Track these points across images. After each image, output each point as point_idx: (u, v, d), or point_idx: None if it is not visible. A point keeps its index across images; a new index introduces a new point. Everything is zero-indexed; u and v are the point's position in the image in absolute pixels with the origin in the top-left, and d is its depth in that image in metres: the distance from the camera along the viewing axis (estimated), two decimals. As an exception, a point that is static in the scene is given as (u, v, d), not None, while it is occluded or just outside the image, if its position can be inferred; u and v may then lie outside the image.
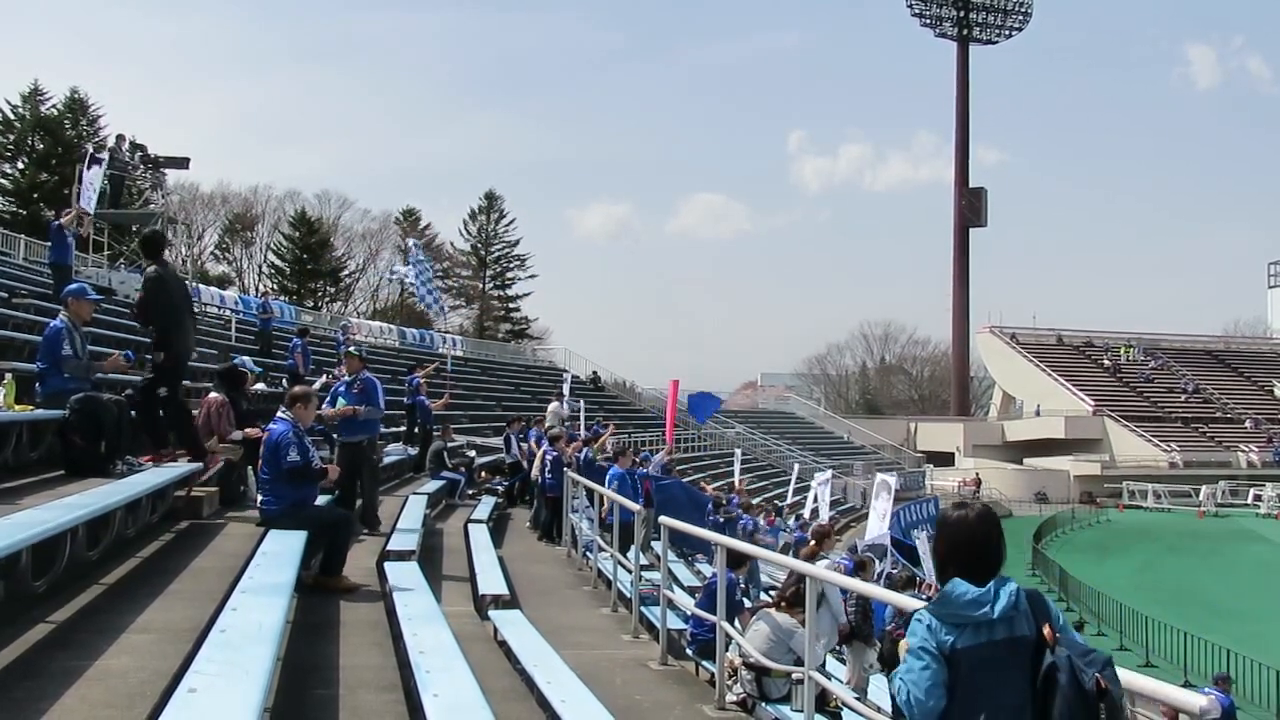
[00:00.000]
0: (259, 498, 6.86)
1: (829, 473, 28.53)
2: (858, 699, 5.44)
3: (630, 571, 7.91)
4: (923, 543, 18.27)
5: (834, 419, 65.86)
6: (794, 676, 5.75)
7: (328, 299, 62.05)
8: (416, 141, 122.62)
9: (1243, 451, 55.14)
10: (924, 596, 8.84)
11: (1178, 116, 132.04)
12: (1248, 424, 58.50)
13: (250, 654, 3.17)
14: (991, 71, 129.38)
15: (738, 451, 31.72)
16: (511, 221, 69.46)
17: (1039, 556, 31.22)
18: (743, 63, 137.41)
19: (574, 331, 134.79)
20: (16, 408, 6.88)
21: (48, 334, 7.38)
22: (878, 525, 18.23)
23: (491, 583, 7.85)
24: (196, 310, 24.53)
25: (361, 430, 9.07)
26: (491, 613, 7.02)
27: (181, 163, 23.33)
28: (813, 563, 7.79)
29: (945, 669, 2.85)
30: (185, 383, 11.80)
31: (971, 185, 72.84)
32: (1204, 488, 47.92)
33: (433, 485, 13.45)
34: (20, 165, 46.17)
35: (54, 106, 47.32)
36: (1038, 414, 59.95)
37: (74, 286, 8.00)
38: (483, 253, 68.72)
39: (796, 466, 35.57)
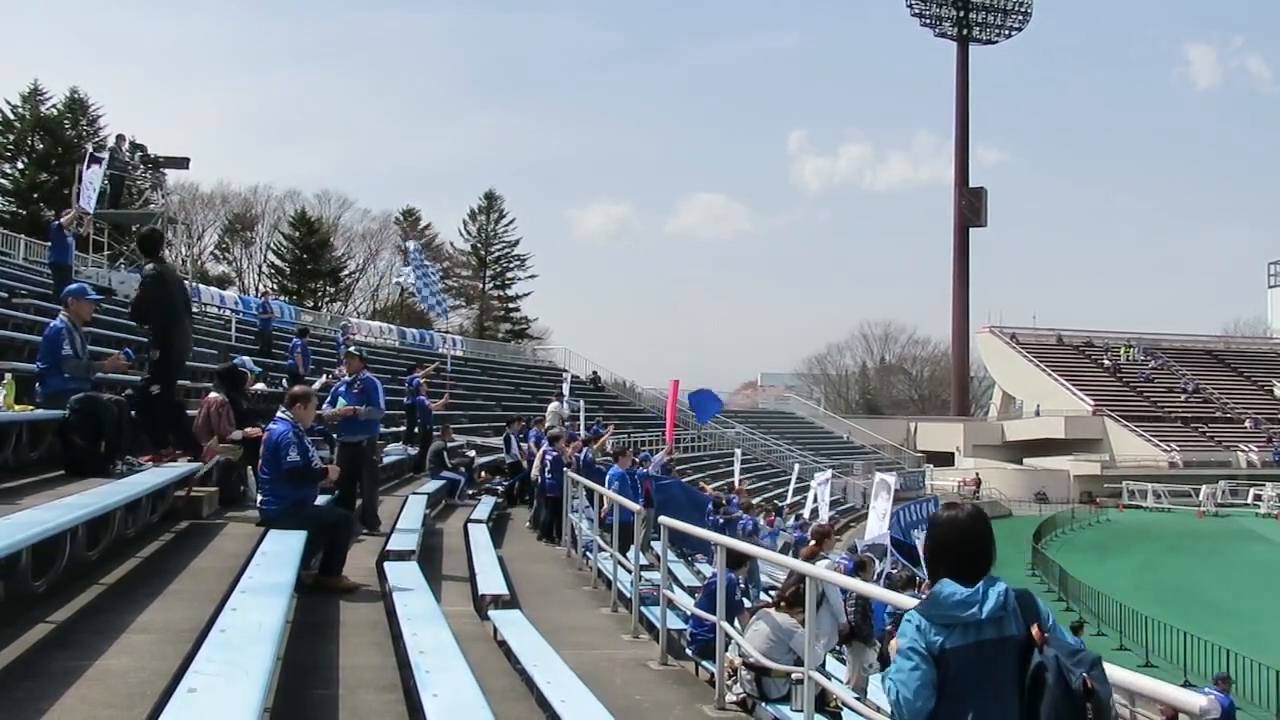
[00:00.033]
0: (259, 498, 6.86)
1: (829, 473, 28.56)
2: (858, 699, 5.44)
3: (630, 571, 7.92)
4: (922, 542, 18.27)
5: (834, 419, 65.86)
6: (794, 676, 5.75)
7: (328, 299, 62.06)
8: (416, 141, 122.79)
9: (1242, 451, 55.16)
10: (923, 596, 8.83)
11: (1178, 116, 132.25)
12: (1248, 424, 58.51)
13: (250, 654, 3.17)
14: (991, 71, 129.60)
15: (738, 451, 31.74)
16: (511, 221, 69.58)
17: (1039, 556, 31.24)
18: (743, 63, 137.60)
19: (574, 331, 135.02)
20: (16, 408, 6.88)
21: (48, 334, 7.38)
22: (877, 525, 18.25)
23: (491, 583, 7.85)
24: (196, 310, 24.63)
25: (361, 430, 9.07)
26: (491, 613, 7.02)
27: (181, 163, 23.32)
28: (813, 563, 7.79)
29: (934, 669, 2.87)
30: (185, 383, 11.85)
31: (971, 185, 72.85)
32: (1204, 488, 47.93)
33: (433, 485, 13.45)
34: (20, 165, 46.17)
35: (54, 106, 47.35)
36: (1038, 414, 59.95)
37: (74, 286, 7.99)
38: (483, 253, 68.72)
39: (797, 467, 35.58)
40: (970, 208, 71.76)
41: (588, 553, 10.87)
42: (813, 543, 10.31)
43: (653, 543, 10.76)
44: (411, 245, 23.34)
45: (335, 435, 9.53)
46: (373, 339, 36.80)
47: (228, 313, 28.44)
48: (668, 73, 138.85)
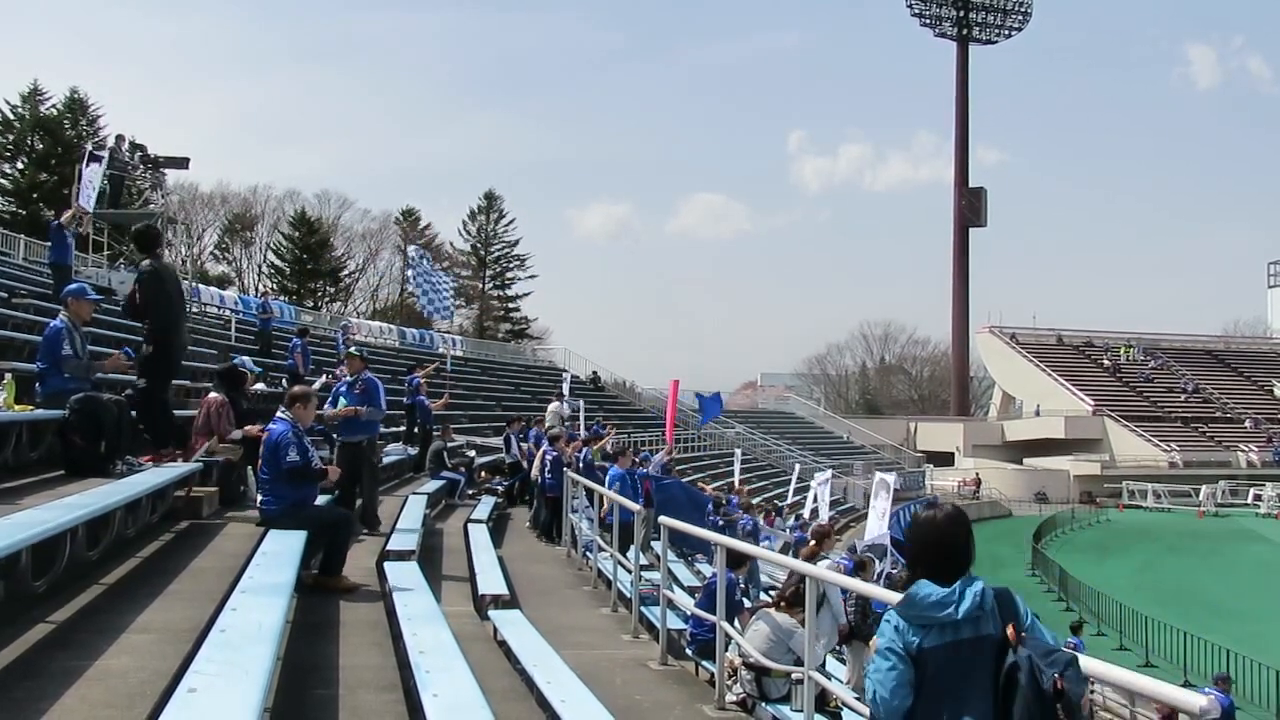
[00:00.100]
0: (259, 498, 6.86)
1: (829, 473, 28.54)
2: (857, 699, 5.43)
3: (630, 571, 7.92)
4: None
5: (834, 419, 65.86)
6: (794, 676, 5.75)
7: (327, 299, 62.07)
8: (416, 141, 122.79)
9: (1242, 451, 55.17)
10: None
11: (1178, 116, 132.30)
12: (1247, 424, 58.53)
13: (250, 654, 3.17)
14: (991, 71, 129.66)
15: (738, 451, 31.75)
16: (511, 221, 69.60)
17: (1039, 556, 31.24)
18: (743, 63, 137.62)
19: (574, 331, 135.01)
20: (16, 408, 6.87)
21: (48, 334, 7.37)
22: (877, 525, 18.23)
23: (491, 583, 7.85)
24: (196, 310, 24.68)
25: (362, 430, 9.07)
26: (491, 613, 7.02)
27: (181, 163, 23.31)
28: (813, 563, 7.79)
29: (911, 669, 2.90)
30: (185, 382, 11.85)
31: (971, 185, 72.89)
32: (1204, 487, 47.95)
33: (433, 485, 13.45)
34: (20, 165, 46.18)
35: (54, 106, 47.35)
36: (1038, 414, 59.96)
37: (74, 286, 7.98)
38: (482, 253, 68.72)
39: (797, 467, 35.58)
40: (970, 208, 71.79)
41: (588, 553, 10.87)
42: (813, 543, 10.31)
43: (653, 543, 10.75)
44: (412, 250, 22.97)
45: (335, 435, 9.53)
46: (373, 339, 36.82)
47: (227, 313, 28.43)
48: (668, 73, 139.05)
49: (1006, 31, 72.38)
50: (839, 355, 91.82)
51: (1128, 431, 56.32)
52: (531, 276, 69.67)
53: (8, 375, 7.07)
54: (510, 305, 68.98)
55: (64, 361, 7.16)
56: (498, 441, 18.52)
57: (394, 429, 16.73)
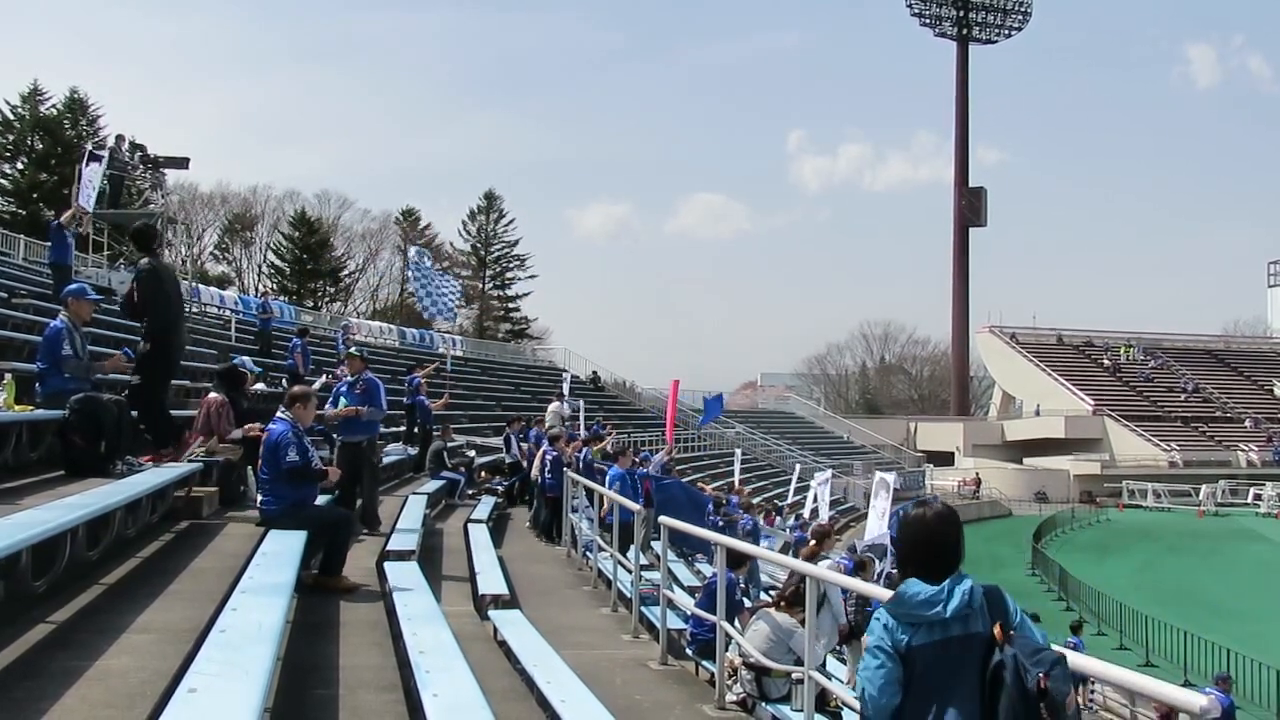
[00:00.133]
0: (259, 498, 6.86)
1: (828, 472, 28.52)
2: (858, 699, 5.43)
3: (630, 571, 7.92)
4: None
5: (834, 419, 65.88)
6: (794, 676, 5.75)
7: (327, 299, 62.09)
8: (416, 141, 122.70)
9: (1242, 451, 55.17)
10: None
11: (1178, 116, 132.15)
12: (1247, 423, 58.52)
13: (250, 654, 3.17)
14: (991, 71, 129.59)
15: (738, 451, 31.74)
16: (511, 221, 69.60)
17: (1039, 556, 31.24)
18: (743, 63, 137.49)
19: (574, 331, 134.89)
20: (16, 408, 6.88)
21: (48, 334, 7.37)
22: (877, 525, 18.20)
23: (491, 583, 7.85)
24: (196, 310, 24.68)
25: (362, 431, 9.08)
26: (491, 613, 7.02)
27: (181, 163, 23.33)
28: (813, 562, 7.79)
29: (900, 667, 2.92)
30: (185, 382, 11.85)
31: (971, 185, 72.86)
32: (1204, 487, 47.93)
33: (433, 485, 13.45)
34: (20, 165, 46.19)
35: (54, 106, 47.36)
36: (1038, 414, 59.95)
37: (74, 286, 7.98)
38: (482, 253, 68.73)
39: (798, 467, 35.57)
40: (970, 207, 71.78)
41: (588, 553, 10.87)
42: (813, 543, 10.31)
43: (653, 543, 10.76)
44: (413, 251, 22.73)
45: (335, 435, 9.54)
46: (373, 339, 36.83)
47: (227, 313, 28.44)
48: (668, 73, 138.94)
49: (1006, 31, 72.38)
50: (839, 355, 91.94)
51: (1128, 431, 56.32)
52: (531, 276, 69.83)
53: (8, 375, 7.08)
54: (510, 305, 69.02)
55: (64, 362, 7.16)
56: (498, 441, 18.52)
57: (394, 429, 16.74)
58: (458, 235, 69.52)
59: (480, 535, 10.43)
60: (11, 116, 46.41)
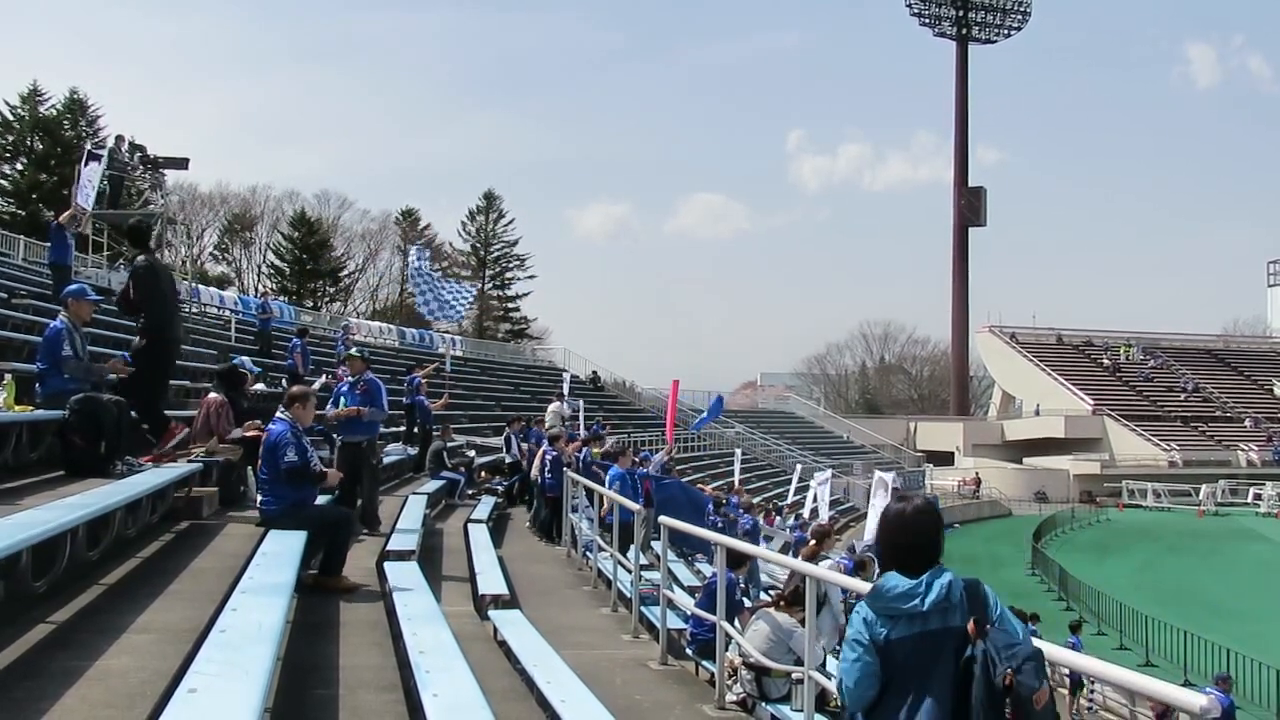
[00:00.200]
0: (259, 498, 6.86)
1: (828, 472, 28.55)
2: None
3: (630, 571, 7.92)
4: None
5: (834, 419, 65.86)
6: (794, 676, 5.75)
7: (327, 299, 62.11)
8: (416, 141, 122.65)
9: (1242, 450, 55.16)
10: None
11: (1178, 116, 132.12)
12: (1247, 423, 58.51)
13: (250, 654, 3.17)
14: (991, 71, 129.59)
15: (738, 451, 31.74)
16: (511, 221, 69.62)
17: (1039, 556, 31.23)
18: (743, 63, 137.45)
19: (574, 331, 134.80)
20: (16, 408, 6.87)
21: (48, 334, 7.36)
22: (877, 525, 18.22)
23: (491, 583, 7.85)
24: (195, 311, 24.68)
25: (362, 431, 9.08)
26: (491, 613, 7.02)
27: (181, 163, 23.32)
28: (813, 562, 7.79)
29: (877, 660, 2.94)
30: (185, 382, 11.85)
31: (971, 185, 72.87)
32: (1204, 487, 47.92)
33: (433, 485, 13.46)
34: (20, 166, 46.21)
35: (53, 107, 47.36)
36: (1037, 413, 59.94)
37: (74, 287, 7.97)
38: (482, 253, 68.75)
39: (798, 467, 35.57)
40: (970, 207, 71.78)
41: (588, 553, 10.87)
42: (813, 542, 10.32)
43: (653, 543, 10.76)
44: (413, 252, 22.48)
45: (336, 435, 9.55)
46: (372, 339, 36.84)
47: (227, 313, 28.44)
48: (668, 73, 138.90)
49: (1006, 31, 72.39)
50: (839, 355, 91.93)
51: (1127, 431, 56.32)
52: (531, 276, 69.86)
53: (8, 375, 7.07)
54: (510, 305, 69.05)
55: (64, 362, 7.16)
56: (498, 441, 18.52)
57: (394, 429, 16.74)
58: (457, 235, 69.69)
59: (480, 535, 10.43)
60: (11, 117, 46.43)
